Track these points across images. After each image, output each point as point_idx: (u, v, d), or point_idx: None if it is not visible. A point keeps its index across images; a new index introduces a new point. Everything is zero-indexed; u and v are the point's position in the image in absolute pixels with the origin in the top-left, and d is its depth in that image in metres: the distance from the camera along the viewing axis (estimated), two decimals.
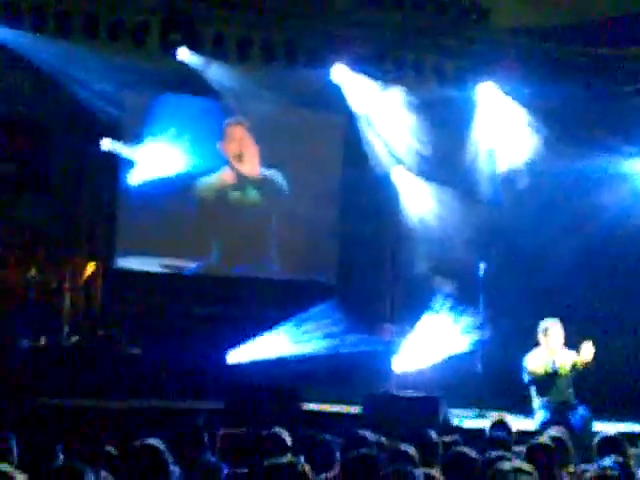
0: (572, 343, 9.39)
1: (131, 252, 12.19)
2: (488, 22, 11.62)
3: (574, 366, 9.15)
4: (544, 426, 8.30)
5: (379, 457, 4.76)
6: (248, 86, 11.48)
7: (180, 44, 11.29)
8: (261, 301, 11.81)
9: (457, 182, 12.23)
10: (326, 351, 10.96)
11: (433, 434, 5.98)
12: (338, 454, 5.46)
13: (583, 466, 5.88)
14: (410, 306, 12.13)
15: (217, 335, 10.97)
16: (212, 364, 10.47)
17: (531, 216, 12.15)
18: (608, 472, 4.26)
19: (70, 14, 10.91)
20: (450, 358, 10.75)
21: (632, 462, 5.99)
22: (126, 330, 11.08)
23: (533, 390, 9.36)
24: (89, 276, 11.45)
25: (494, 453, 5.32)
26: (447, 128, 12.00)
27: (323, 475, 5.01)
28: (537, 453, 5.43)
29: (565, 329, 9.39)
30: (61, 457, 5.24)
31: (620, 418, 10.00)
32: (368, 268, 12.71)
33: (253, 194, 12.70)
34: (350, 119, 12.41)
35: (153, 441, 4.85)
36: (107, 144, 11.75)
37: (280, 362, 10.55)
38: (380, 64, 11.88)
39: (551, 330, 9.37)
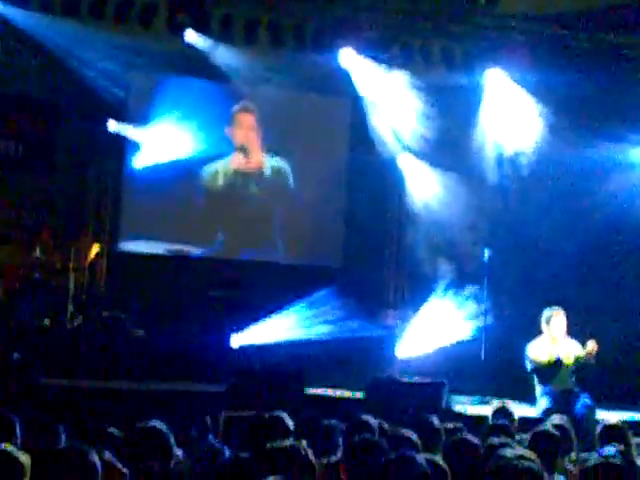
0: (575, 332, 9.39)
1: (136, 235, 12.21)
2: (496, 8, 11.56)
3: (577, 359, 9.18)
4: (546, 414, 8.30)
5: (381, 442, 4.75)
6: (255, 69, 11.46)
7: (188, 26, 11.26)
8: (266, 285, 11.78)
9: (463, 168, 12.20)
10: (330, 335, 10.95)
11: (435, 420, 5.99)
12: (340, 439, 5.47)
13: (585, 454, 5.88)
14: (414, 291, 12.15)
15: (221, 318, 10.96)
16: (216, 347, 10.45)
17: (536, 203, 12.14)
18: (610, 460, 4.24)
19: None
20: (453, 344, 10.77)
21: (634, 451, 6.01)
22: (130, 312, 11.08)
23: (535, 378, 9.37)
24: (94, 257, 11.43)
25: (496, 440, 5.31)
26: (454, 114, 11.97)
27: (325, 459, 5.01)
28: (541, 441, 5.43)
29: (568, 318, 9.39)
30: (64, 438, 5.26)
31: (623, 406, 10.01)
32: (373, 253, 12.69)
33: (259, 181, 12.69)
34: (357, 103, 12.38)
35: (156, 423, 4.85)
36: (113, 125, 11.75)
37: (284, 346, 10.55)
38: (388, 49, 11.83)
39: (554, 319, 9.36)
